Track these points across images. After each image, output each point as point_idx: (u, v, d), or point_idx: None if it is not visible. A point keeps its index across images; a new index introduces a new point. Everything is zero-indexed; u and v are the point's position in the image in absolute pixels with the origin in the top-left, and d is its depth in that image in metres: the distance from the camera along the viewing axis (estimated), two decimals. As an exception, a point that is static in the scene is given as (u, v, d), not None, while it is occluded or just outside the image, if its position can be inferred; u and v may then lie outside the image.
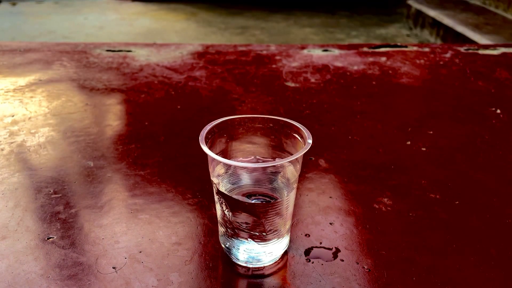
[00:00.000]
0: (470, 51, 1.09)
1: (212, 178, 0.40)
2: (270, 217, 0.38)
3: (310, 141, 0.38)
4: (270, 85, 0.86)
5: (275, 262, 0.42)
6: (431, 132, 0.68)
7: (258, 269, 0.41)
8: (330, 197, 0.52)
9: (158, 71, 0.92)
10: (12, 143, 0.63)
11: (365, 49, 1.09)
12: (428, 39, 3.47)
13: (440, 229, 0.47)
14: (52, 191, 0.52)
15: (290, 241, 0.44)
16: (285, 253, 0.43)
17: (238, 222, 0.39)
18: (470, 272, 0.41)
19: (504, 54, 1.07)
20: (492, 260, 0.43)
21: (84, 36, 3.58)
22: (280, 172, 0.41)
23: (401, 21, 4.17)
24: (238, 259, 0.41)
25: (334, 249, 0.44)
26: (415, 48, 1.11)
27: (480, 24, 3.03)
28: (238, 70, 0.93)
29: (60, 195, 0.51)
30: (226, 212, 0.39)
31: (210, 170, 0.40)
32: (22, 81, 0.86)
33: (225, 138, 0.41)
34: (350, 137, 0.67)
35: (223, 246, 0.43)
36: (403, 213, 0.49)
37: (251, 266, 0.41)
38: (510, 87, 0.88)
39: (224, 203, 0.39)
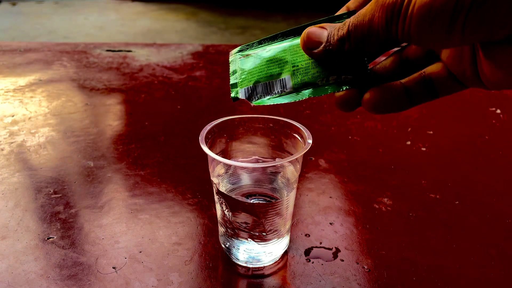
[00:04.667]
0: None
1: (212, 178, 0.40)
2: (270, 217, 0.38)
3: (310, 141, 0.38)
4: (270, 85, 0.85)
5: (275, 262, 0.42)
6: (431, 132, 0.68)
7: (258, 269, 0.41)
8: (330, 197, 0.52)
9: (158, 71, 0.92)
10: (12, 143, 0.63)
11: (365, 49, 1.09)
12: (428, 39, 3.47)
13: (440, 229, 0.47)
14: (52, 191, 0.52)
15: (290, 241, 0.44)
16: (285, 253, 0.43)
17: (238, 222, 0.39)
18: (470, 272, 0.41)
19: (504, 54, 1.07)
20: (492, 260, 0.43)
21: (84, 36, 3.58)
22: (280, 172, 0.41)
23: (401, 21, 4.16)
24: (238, 259, 0.41)
25: (334, 249, 0.44)
26: (415, 48, 1.11)
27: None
28: (238, 70, 0.93)
29: (60, 195, 0.51)
30: (226, 212, 0.39)
31: (210, 170, 0.40)
32: (22, 81, 0.86)
33: (225, 138, 0.41)
34: (350, 137, 0.67)
35: (223, 246, 0.43)
36: (403, 213, 0.49)
37: (251, 266, 0.41)
38: (510, 87, 0.87)
39: (224, 203, 0.39)
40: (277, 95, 0.31)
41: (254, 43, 0.33)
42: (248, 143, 0.43)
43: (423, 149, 0.63)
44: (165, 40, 3.46)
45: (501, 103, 0.79)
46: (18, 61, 0.97)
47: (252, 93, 0.32)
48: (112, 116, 0.73)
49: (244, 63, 0.32)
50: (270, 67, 0.31)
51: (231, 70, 0.33)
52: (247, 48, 0.33)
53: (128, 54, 1.02)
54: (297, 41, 0.31)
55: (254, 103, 0.32)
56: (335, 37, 0.27)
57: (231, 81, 0.33)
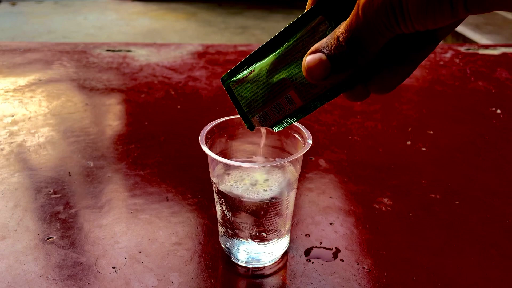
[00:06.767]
0: (470, 51, 1.09)
1: (212, 178, 0.40)
2: (270, 217, 0.38)
3: (310, 141, 0.38)
4: (270, 85, 0.85)
5: (275, 262, 0.42)
6: (431, 132, 0.68)
7: (258, 269, 0.41)
8: (330, 197, 0.52)
9: (158, 71, 0.92)
10: (12, 143, 0.63)
11: (365, 49, 1.09)
12: (428, 39, 3.46)
13: (440, 229, 0.47)
14: (52, 191, 0.52)
15: (290, 241, 0.44)
16: (285, 253, 0.43)
17: (238, 222, 0.39)
18: (470, 272, 0.41)
19: (504, 54, 1.07)
20: (492, 260, 0.43)
21: (84, 36, 3.58)
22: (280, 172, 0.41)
23: (401, 21, 4.16)
24: (238, 259, 0.41)
25: (334, 249, 0.44)
26: (415, 48, 1.11)
27: (480, 24, 3.04)
28: (238, 70, 0.93)
29: (60, 195, 0.51)
30: (226, 212, 0.39)
31: (210, 170, 0.40)
32: (22, 81, 0.86)
33: (225, 138, 0.41)
34: (350, 137, 0.67)
35: (223, 246, 0.43)
36: (403, 213, 0.49)
37: (251, 266, 0.41)
38: (510, 87, 0.88)
39: (224, 203, 0.39)
40: (290, 112, 0.31)
41: (242, 63, 0.31)
42: (248, 143, 0.43)
43: (423, 149, 0.63)
44: (165, 40, 3.46)
45: (501, 103, 0.79)
46: (18, 61, 0.97)
47: (265, 119, 0.32)
48: (112, 116, 0.73)
49: (242, 91, 0.31)
50: (269, 88, 0.30)
51: (231, 99, 0.32)
52: (237, 72, 0.32)
53: (128, 54, 1.02)
54: (283, 53, 0.29)
55: (276, 129, 0.32)
56: (339, 65, 0.26)
57: (239, 112, 0.32)
